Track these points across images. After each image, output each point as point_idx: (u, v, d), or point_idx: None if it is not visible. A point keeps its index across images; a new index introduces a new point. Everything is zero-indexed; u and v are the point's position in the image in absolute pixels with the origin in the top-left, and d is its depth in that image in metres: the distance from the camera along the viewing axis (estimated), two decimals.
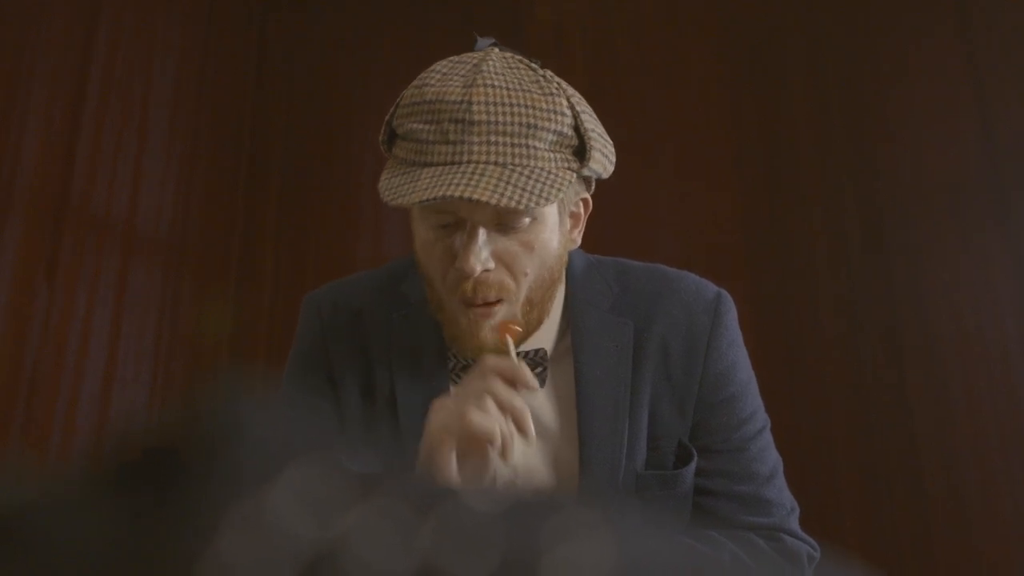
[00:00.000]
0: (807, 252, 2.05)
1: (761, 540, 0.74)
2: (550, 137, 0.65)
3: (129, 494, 0.15)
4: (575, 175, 0.67)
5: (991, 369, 1.80)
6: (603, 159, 0.70)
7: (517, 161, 0.63)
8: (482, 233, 0.66)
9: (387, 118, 0.70)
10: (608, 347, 0.76)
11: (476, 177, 0.61)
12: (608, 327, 0.77)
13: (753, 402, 0.78)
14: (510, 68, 0.68)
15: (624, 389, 0.75)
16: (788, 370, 1.99)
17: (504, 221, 0.66)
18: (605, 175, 0.73)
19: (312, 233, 2.53)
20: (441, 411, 0.61)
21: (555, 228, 0.71)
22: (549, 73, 0.69)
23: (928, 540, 1.78)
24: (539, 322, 0.74)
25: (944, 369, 1.85)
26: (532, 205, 0.61)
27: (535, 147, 0.64)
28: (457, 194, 0.60)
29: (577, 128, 0.67)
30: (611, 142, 0.73)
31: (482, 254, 0.66)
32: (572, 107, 0.66)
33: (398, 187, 0.64)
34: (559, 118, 0.65)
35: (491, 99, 0.64)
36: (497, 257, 0.68)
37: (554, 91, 0.66)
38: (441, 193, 0.60)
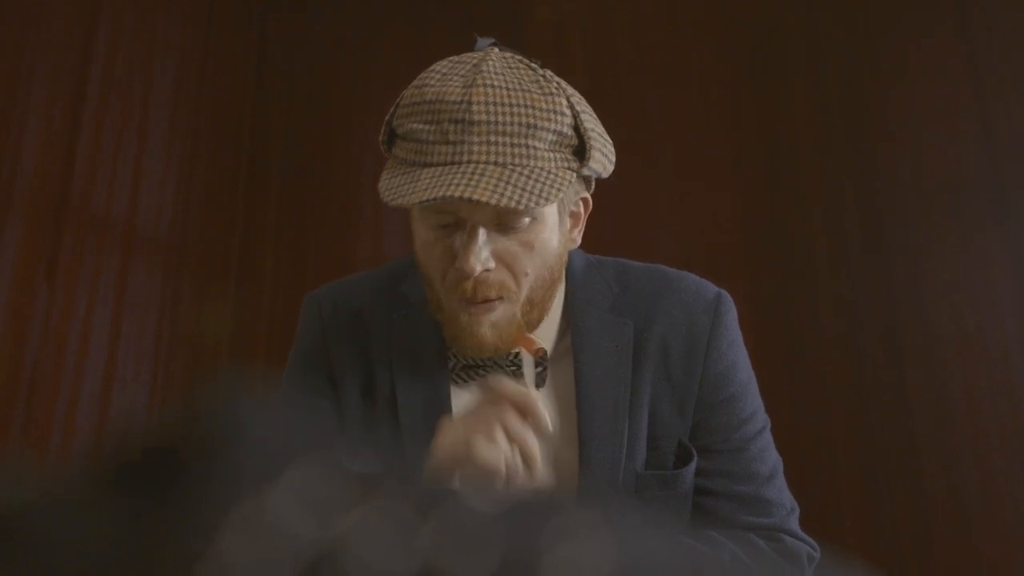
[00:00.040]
0: (807, 252, 2.05)
1: (761, 540, 0.74)
2: (550, 137, 0.65)
3: (129, 494, 0.15)
4: (575, 175, 0.67)
5: (991, 369, 1.80)
6: (603, 159, 0.70)
7: (517, 161, 0.63)
8: (482, 233, 0.66)
9: (387, 118, 0.70)
10: (608, 347, 0.76)
11: (476, 177, 0.61)
12: (608, 327, 0.77)
13: (753, 402, 0.78)
14: (510, 68, 0.68)
15: (624, 389, 0.75)
16: (788, 370, 1.99)
17: (504, 221, 0.66)
18: (605, 174, 0.73)
19: (312, 233, 2.53)
20: (449, 435, 0.61)
21: (555, 228, 0.71)
22: (549, 73, 0.69)
23: (928, 540, 1.78)
24: (539, 321, 0.74)
25: (944, 369, 1.85)
26: (532, 205, 0.61)
27: (535, 147, 0.64)
28: (457, 194, 0.60)
29: (577, 128, 0.67)
30: (611, 141, 0.73)
31: (482, 254, 0.66)
32: (572, 107, 0.66)
33: (398, 187, 0.64)
34: (559, 118, 0.65)
35: (491, 99, 0.64)
36: (497, 257, 0.68)
37: (554, 91, 0.66)
38: (441, 193, 0.60)
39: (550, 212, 0.70)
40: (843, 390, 1.94)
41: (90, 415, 1.96)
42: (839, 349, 1.96)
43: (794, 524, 0.76)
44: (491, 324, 0.69)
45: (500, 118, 0.63)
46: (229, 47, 2.61)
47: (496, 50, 0.71)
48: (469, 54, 0.71)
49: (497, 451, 0.58)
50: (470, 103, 0.63)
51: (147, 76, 2.26)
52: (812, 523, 0.81)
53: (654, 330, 0.77)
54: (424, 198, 0.60)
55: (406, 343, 0.78)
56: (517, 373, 0.75)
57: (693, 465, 0.75)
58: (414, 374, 0.77)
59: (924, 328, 1.89)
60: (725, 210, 2.15)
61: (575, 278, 0.80)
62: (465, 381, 0.77)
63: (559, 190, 0.64)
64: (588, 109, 0.70)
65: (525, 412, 0.61)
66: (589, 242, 0.81)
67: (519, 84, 0.66)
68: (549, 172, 0.64)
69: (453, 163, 0.63)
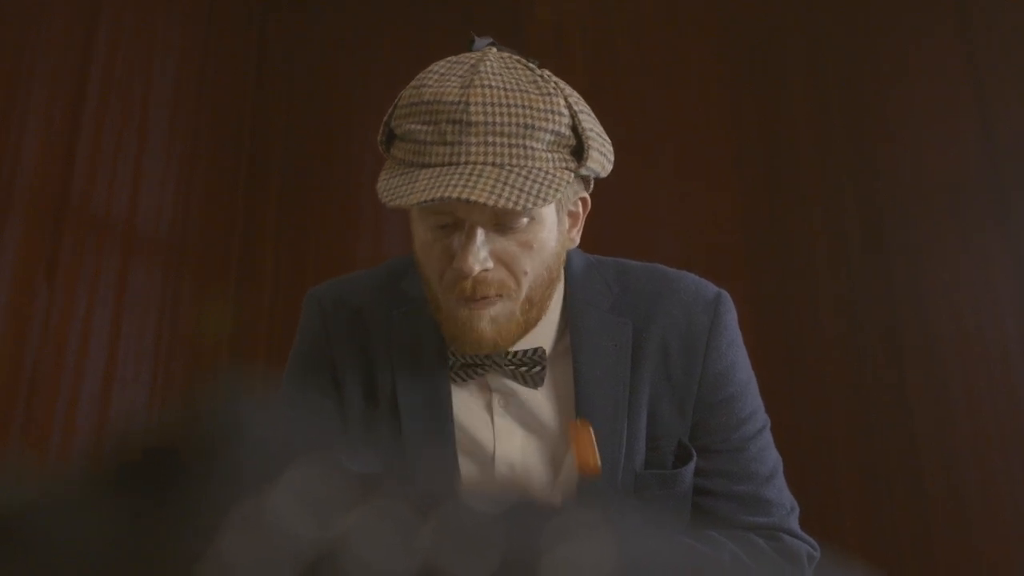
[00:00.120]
0: (807, 252, 2.05)
1: (761, 540, 0.74)
2: (547, 137, 0.65)
3: (129, 494, 0.15)
4: (573, 175, 0.67)
5: (991, 369, 1.80)
6: (601, 158, 0.70)
7: (515, 162, 0.63)
8: (480, 233, 0.66)
9: (385, 118, 0.70)
10: (607, 347, 0.76)
11: (474, 178, 0.61)
12: (607, 327, 0.77)
13: (753, 402, 0.78)
14: (508, 68, 0.68)
15: (623, 389, 0.75)
16: (788, 370, 1.99)
17: (502, 221, 0.66)
18: (604, 174, 0.73)
19: (312, 233, 2.53)
20: None
21: (553, 227, 0.71)
22: (547, 73, 0.69)
23: (928, 540, 1.78)
24: (537, 320, 0.74)
25: (944, 369, 1.85)
26: (529, 206, 0.61)
27: (532, 147, 0.64)
28: (455, 195, 0.60)
29: (575, 128, 0.67)
30: (609, 141, 0.73)
31: (480, 254, 0.66)
32: (570, 107, 0.66)
33: (396, 188, 0.64)
34: (556, 118, 0.65)
35: (488, 100, 0.64)
36: (496, 257, 0.68)
37: (551, 91, 0.66)
38: (439, 195, 0.60)
39: (548, 212, 0.70)
40: (843, 390, 1.94)
41: (90, 415, 1.96)
42: (839, 349, 1.96)
43: (794, 523, 0.76)
44: (490, 319, 0.69)
45: (498, 119, 0.63)
46: (229, 47, 2.61)
47: (494, 50, 0.71)
48: (467, 54, 0.71)
49: None
50: (468, 104, 0.63)
51: (147, 76, 2.26)
52: (812, 523, 0.81)
53: (653, 330, 0.77)
54: (422, 199, 0.60)
55: (406, 341, 0.79)
56: (515, 372, 0.75)
57: (692, 465, 0.75)
58: (414, 373, 0.77)
59: (924, 328, 1.89)
60: (725, 210, 2.15)
61: (574, 278, 0.80)
62: (464, 380, 0.77)
63: (557, 190, 0.64)
64: (586, 109, 0.70)
65: None
66: (589, 242, 0.81)
67: (517, 84, 0.66)
68: (547, 172, 0.64)
69: (451, 164, 0.63)
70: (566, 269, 0.80)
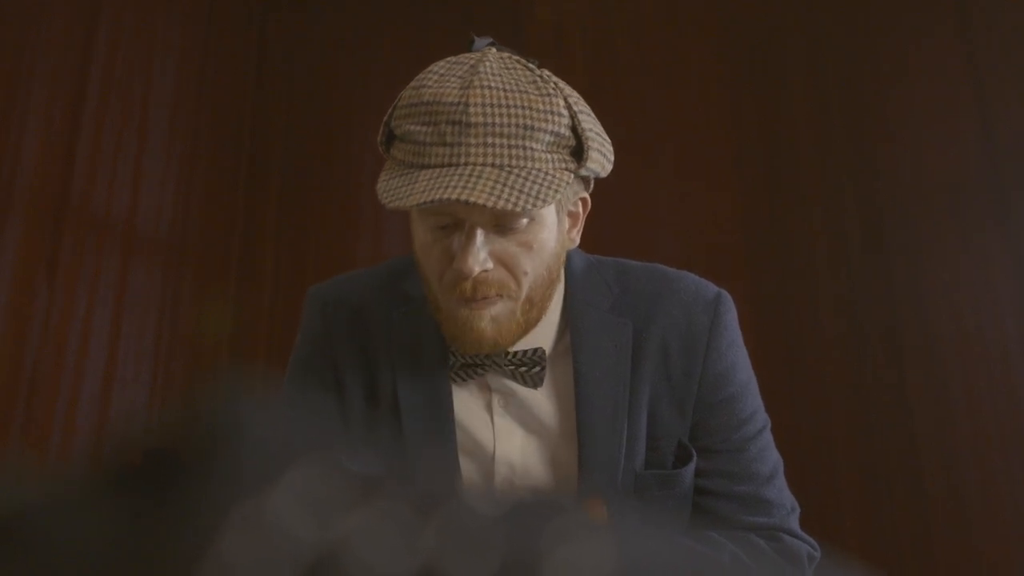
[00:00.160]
0: (807, 252, 2.05)
1: (761, 540, 0.74)
2: (547, 138, 0.65)
3: (129, 494, 0.15)
4: (572, 175, 0.67)
5: (991, 369, 1.80)
6: (601, 159, 0.70)
7: (514, 163, 0.63)
8: (480, 234, 0.66)
9: (385, 119, 0.70)
10: (607, 347, 0.76)
11: (473, 180, 0.61)
12: (607, 327, 0.77)
13: (753, 402, 0.78)
14: (507, 69, 0.68)
15: (623, 389, 0.75)
16: (788, 370, 1.99)
17: (502, 222, 0.66)
18: (604, 174, 0.73)
19: (312, 233, 2.53)
20: None
21: (553, 228, 0.71)
22: (546, 73, 0.69)
23: (928, 540, 1.78)
24: (537, 320, 0.74)
25: (944, 369, 1.85)
26: (529, 207, 0.61)
27: (532, 148, 0.64)
28: (454, 197, 0.60)
29: (574, 128, 0.67)
30: (609, 141, 0.73)
31: (480, 255, 0.66)
32: (569, 107, 0.66)
33: (396, 189, 0.64)
34: (556, 119, 0.65)
35: (488, 101, 0.64)
36: (496, 257, 0.68)
37: (551, 91, 0.66)
38: (438, 196, 0.60)
39: (548, 212, 0.70)
40: (843, 390, 1.94)
41: (90, 415, 1.96)
42: (839, 349, 1.96)
43: (794, 524, 0.76)
44: (491, 318, 0.69)
45: (497, 120, 0.63)
46: (229, 47, 2.61)
47: (494, 50, 0.71)
48: (467, 55, 0.71)
49: None
50: (467, 105, 0.63)
51: (147, 76, 2.26)
52: (812, 523, 0.81)
53: (653, 330, 0.77)
54: (421, 201, 0.60)
55: (407, 341, 0.79)
56: (515, 372, 0.75)
57: (692, 465, 0.75)
58: (415, 373, 0.77)
59: (924, 328, 1.89)
60: (725, 210, 2.15)
61: (575, 278, 0.80)
62: (464, 380, 0.77)
63: (556, 191, 0.64)
64: (586, 109, 0.70)
65: None
66: (589, 242, 0.81)
67: (516, 85, 0.66)
68: (546, 173, 0.64)
69: (450, 165, 0.63)
70: (566, 269, 0.80)
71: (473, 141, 0.63)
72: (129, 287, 2.13)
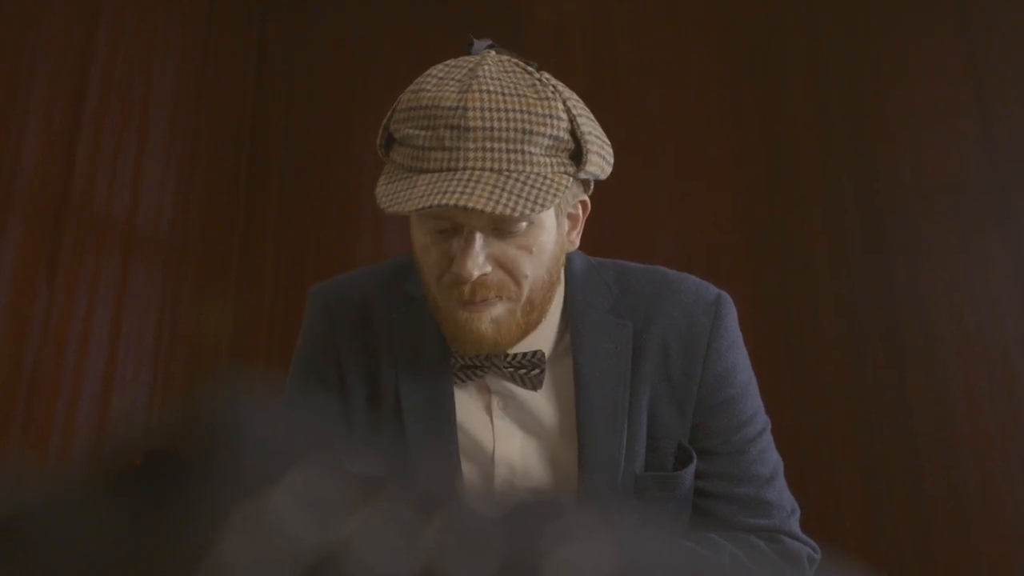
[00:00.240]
0: (807, 252, 2.05)
1: (761, 542, 0.73)
2: (546, 142, 0.65)
3: (129, 494, 0.15)
4: (571, 179, 0.67)
5: (991, 369, 1.80)
6: (600, 161, 0.70)
7: (513, 167, 0.63)
8: (479, 238, 0.66)
9: (384, 122, 0.70)
10: (607, 348, 0.76)
11: (472, 184, 0.61)
12: (607, 328, 0.77)
13: (753, 404, 0.78)
14: (506, 72, 0.67)
15: (623, 390, 0.75)
16: (788, 370, 1.99)
17: (501, 226, 0.66)
18: (603, 176, 0.73)
19: (312, 233, 2.53)
20: None
21: (553, 231, 0.71)
22: (545, 76, 0.69)
23: (928, 540, 1.78)
24: (538, 323, 0.74)
25: (944, 369, 1.85)
26: (528, 212, 0.61)
27: (531, 152, 0.64)
28: (452, 202, 0.60)
29: (573, 132, 0.66)
30: (609, 143, 0.73)
31: (479, 259, 0.66)
32: (568, 110, 0.66)
33: (394, 194, 0.64)
34: (555, 122, 0.65)
35: (486, 105, 0.63)
36: (495, 261, 0.68)
37: (550, 95, 0.66)
38: (436, 201, 0.60)
39: (548, 216, 0.70)
40: (843, 390, 1.94)
41: (90, 415, 1.96)
42: (839, 349, 1.96)
43: (794, 525, 0.76)
44: (491, 320, 0.69)
45: (496, 124, 0.63)
46: (229, 47, 2.61)
47: (493, 53, 0.71)
48: (466, 58, 0.70)
49: None
50: (466, 109, 0.63)
51: (147, 76, 2.26)
52: (812, 523, 0.81)
53: (653, 331, 0.77)
54: (420, 206, 0.60)
55: (409, 341, 0.79)
56: (515, 375, 0.75)
57: (692, 467, 0.75)
58: (418, 373, 0.77)
59: (924, 328, 1.89)
60: (725, 210, 2.15)
61: (575, 280, 0.80)
62: (463, 381, 0.77)
63: (555, 195, 0.63)
64: (585, 112, 0.70)
65: None
66: (589, 243, 0.81)
67: (515, 89, 0.66)
68: (545, 177, 0.64)
69: (449, 169, 0.63)
70: (566, 271, 0.80)
71: (472, 146, 0.63)
72: (129, 287, 2.13)
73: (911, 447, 1.84)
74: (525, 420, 0.77)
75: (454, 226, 0.67)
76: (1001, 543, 1.72)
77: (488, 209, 0.60)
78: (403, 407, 0.76)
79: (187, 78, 2.42)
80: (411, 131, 0.65)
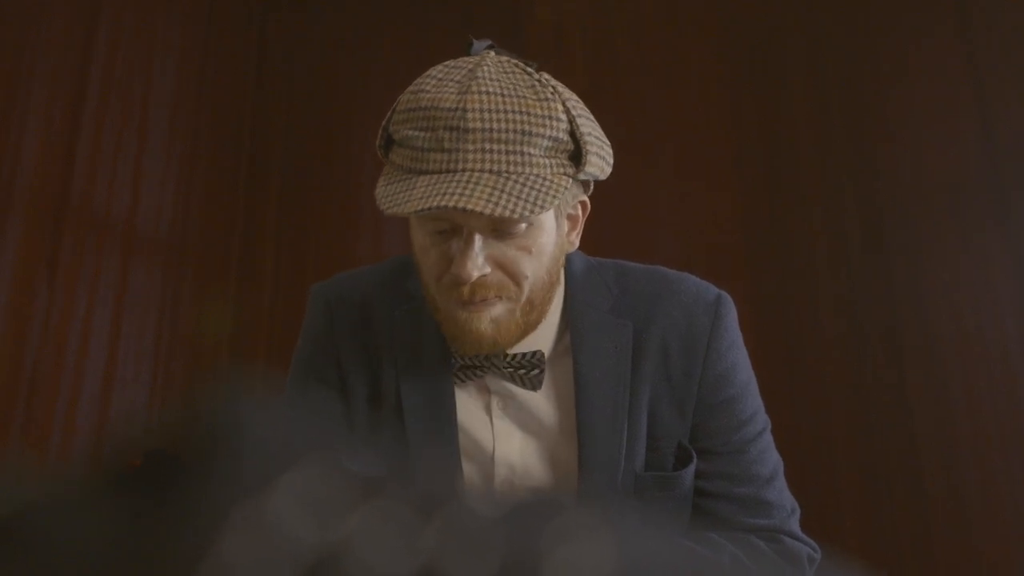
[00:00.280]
0: (807, 252, 2.05)
1: (761, 542, 0.74)
2: (545, 143, 0.65)
3: (129, 494, 0.15)
4: (571, 180, 0.67)
5: (991, 369, 1.80)
6: (600, 162, 0.70)
7: (512, 169, 0.63)
8: (478, 240, 0.66)
9: (384, 123, 0.70)
10: (607, 348, 0.76)
11: (471, 186, 0.61)
12: (607, 328, 0.77)
13: (753, 404, 0.78)
14: (505, 73, 0.67)
15: (623, 390, 0.75)
16: (788, 370, 1.99)
17: (500, 227, 0.66)
18: (603, 177, 0.73)
19: (312, 233, 2.53)
20: None
21: (552, 232, 0.71)
22: (545, 77, 0.69)
23: (928, 540, 1.78)
24: (538, 323, 0.74)
25: (944, 369, 1.85)
26: (527, 214, 0.61)
27: (530, 154, 0.64)
28: (451, 204, 0.60)
29: (573, 133, 0.66)
30: (609, 143, 0.73)
31: (478, 260, 0.66)
32: (568, 111, 0.66)
33: (394, 195, 0.64)
34: (554, 123, 0.65)
35: (486, 106, 0.63)
36: (495, 262, 0.68)
37: (549, 96, 0.66)
38: (435, 203, 0.60)
39: (547, 217, 0.70)
40: (843, 390, 1.94)
41: (90, 415, 1.96)
42: (839, 349, 1.96)
43: (794, 525, 0.76)
44: (491, 320, 0.69)
45: (495, 125, 0.63)
46: (229, 47, 2.61)
47: (492, 54, 0.71)
48: (465, 58, 0.70)
49: None
50: (465, 110, 0.63)
51: (147, 76, 2.26)
52: (812, 523, 0.81)
53: (653, 331, 0.77)
54: (419, 208, 0.60)
55: (410, 340, 0.79)
56: (514, 375, 0.75)
57: (692, 467, 0.75)
58: (418, 373, 0.77)
59: (924, 328, 1.89)
60: (725, 210, 2.15)
61: (575, 280, 0.80)
62: (463, 380, 0.77)
63: (555, 197, 0.64)
64: (585, 112, 0.70)
65: None
66: (589, 243, 0.81)
67: (514, 90, 0.66)
68: (544, 179, 0.64)
69: (448, 171, 0.63)
70: (566, 271, 0.80)
71: (471, 147, 0.63)
72: (129, 287, 2.13)
73: (911, 447, 1.84)
74: (525, 420, 0.77)
75: (453, 227, 0.67)
76: (1001, 543, 1.72)
77: (487, 211, 0.60)
78: (404, 407, 0.76)
79: (187, 78, 2.42)
80: (410, 132, 0.65)
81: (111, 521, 0.15)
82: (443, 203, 0.60)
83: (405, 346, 0.79)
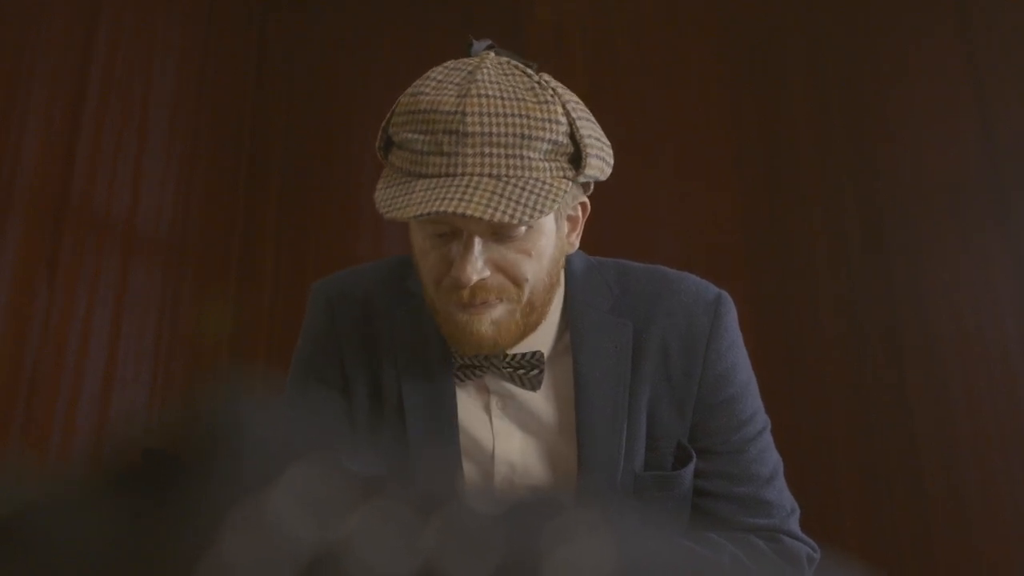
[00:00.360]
0: (807, 252, 2.05)
1: (761, 541, 0.74)
2: (544, 146, 0.64)
3: (129, 494, 0.15)
4: (571, 182, 0.67)
5: (991, 369, 1.80)
6: (600, 163, 0.70)
7: (511, 173, 0.63)
8: (478, 243, 0.66)
9: (383, 124, 0.70)
10: (607, 347, 0.76)
11: (470, 191, 0.61)
12: (607, 328, 0.77)
13: (753, 403, 0.78)
14: (505, 75, 0.67)
15: (623, 389, 0.75)
16: (788, 370, 1.99)
17: (500, 231, 0.66)
18: (603, 178, 0.73)
19: (312, 233, 2.53)
20: None
21: (552, 234, 0.71)
22: (545, 79, 0.69)
23: (928, 540, 1.78)
24: (538, 324, 0.74)
25: (944, 369, 1.85)
26: (527, 219, 0.61)
27: (529, 157, 0.64)
28: (451, 210, 0.60)
29: (572, 135, 0.66)
30: (609, 145, 0.73)
31: (478, 264, 0.66)
32: (567, 114, 0.66)
33: (393, 199, 0.64)
34: (554, 127, 0.65)
35: (485, 109, 0.63)
36: (495, 265, 0.68)
37: (549, 99, 0.66)
38: (434, 208, 0.60)
39: (547, 219, 0.70)
40: (843, 390, 1.94)
41: (90, 415, 1.96)
42: (839, 349, 1.96)
43: (794, 525, 0.76)
44: (491, 321, 0.69)
45: (494, 129, 0.63)
46: (229, 47, 2.61)
47: (492, 55, 0.71)
48: (465, 60, 0.70)
49: None
50: (464, 114, 0.63)
51: (147, 76, 2.26)
52: (812, 523, 0.81)
53: (653, 331, 0.77)
54: (418, 213, 0.60)
55: (411, 339, 0.79)
56: (513, 375, 0.75)
57: (692, 466, 0.75)
58: (420, 373, 0.77)
59: (924, 328, 1.89)
60: (725, 210, 2.15)
61: (575, 280, 0.80)
62: (462, 380, 0.77)
63: (554, 201, 0.63)
64: (585, 114, 0.70)
65: None
66: (589, 243, 0.81)
67: (514, 93, 0.65)
68: (544, 183, 0.64)
69: (447, 175, 0.63)
70: (566, 271, 0.80)
71: (470, 151, 0.63)
72: (129, 287, 2.13)
73: (911, 447, 1.84)
74: (524, 420, 0.77)
75: (453, 230, 0.67)
76: (1001, 543, 1.72)
77: (486, 217, 0.60)
78: (405, 407, 0.76)
79: (187, 78, 2.42)
80: (409, 135, 0.65)
81: (111, 521, 0.15)
82: (442, 208, 0.60)
83: (406, 345, 0.79)
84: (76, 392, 1.93)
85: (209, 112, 2.49)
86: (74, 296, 1.96)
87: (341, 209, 2.53)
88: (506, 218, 0.60)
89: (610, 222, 1.76)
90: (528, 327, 0.73)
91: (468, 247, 0.66)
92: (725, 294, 0.80)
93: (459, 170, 0.63)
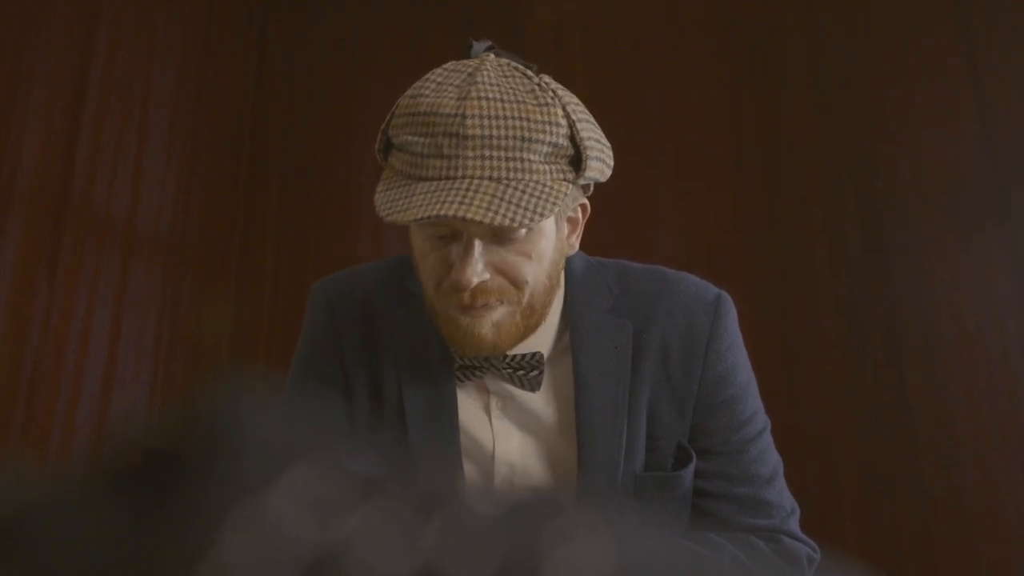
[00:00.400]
0: (807, 252, 2.05)
1: (761, 542, 0.74)
2: (545, 149, 0.64)
3: (129, 494, 0.15)
4: (571, 185, 0.67)
5: (991, 369, 1.80)
6: (600, 165, 0.70)
7: (511, 175, 0.63)
8: (478, 246, 0.66)
9: (383, 126, 0.70)
10: (607, 348, 0.76)
11: (470, 194, 0.61)
12: (607, 328, 0.77)
13: (753, 404, 0.78)
14: (505, 77, 0.67)
15: (623, 390, 0.75)
16: (788, 370, 1.99)
17: (500, 233, 0.66)
18: (603, 179, 0.72)
19: (312, 233, 2.53)
20: None
21: (552, 236, 0.71)
22: (545, 80, 0.69)
23: (928, 540, 1.78)
24: (538, 326, 0.74)
25: (944, 369, 1.85)
26: (527, 222, 0.61)
27: (529, 160, 0.64)
28: (451, 213, 0.59)
29: (572, 138, 0.66)
30: (609, 146, 0.73)
31: (478, 267, 0.66)
32: (568, 116, 0.66)
33: (393, 202, 0.64)
34: (554, 129, 0.65)
35: (485, 112, 0.63)
36: (495, 267, 0.68)
37: (549, 101, 0.66)
38: (435, 212, 0.60)
39: (547, 221, 0.70)
40: (843, 390, 1.94)
41: (90, 415, 1.96)
42: (839, 349, 1.96)
43: (794, 525, 0.76)
44: (492, 324, 0.69)
45: (494, 132, 0.63)
46: (229, 47, 2.61)
47: (492, 57, 0.70)
48: (465, 61, 0.70)
49: None
50: (464, 117, 0.63)
51: (147, 76, 2.26)
52: (812, 523, 0.81)
53: (653, 331, 0.77)
54: (418, 216, 0.60)
55: (411, 340, 0.79)
56: (513, 376, 0.75)
57: (692, 467, 0.75)
58: (420, 373, 0.77)
59: (924, 328, 1.89)
60: (725, 210, 2.15)
61: (575, 280, 0.80)
62: (462, 380, 0.77)
63: (554, 204, 0.63)
64: (586, 116, 0.69)
65: None
66: (589, 243, 0.81)
67: (514, 95, 0.65)
68: (544, 185, 0.64)
69: (447, 178, 0.63)
70: (566, 271, 0.80)
71: (470, 154, 0.63)
72: (129, 287, 2.13)
73: (911, 447, 1.84)
74: (524, 420, 0.77)
75: (453, 233, 0.67)
76: (1001, 543, 1.72)
77: (486, 220, 0.60)
78: (406, 408, 0.76)
79: (187, 78, 2.42)
80: (409, 137, 0.65)
81: (111, 521, 0.15)
82: (442, 212, 0.60)
83: (406, 345, 0.79)
84: (76, 392, 1.93)
85: (209, 112, 2.49)
86: (74, 296, 1.96)
87: (341, 209, 2.53)
88: (506, 222, 0.60)
89: (610, 222, 1.76)
90: (528, 329, 0.73)
91: (468, 250, 0.66)
92: (725, 294, 0.80)
93: (459, 173, 0.63)
